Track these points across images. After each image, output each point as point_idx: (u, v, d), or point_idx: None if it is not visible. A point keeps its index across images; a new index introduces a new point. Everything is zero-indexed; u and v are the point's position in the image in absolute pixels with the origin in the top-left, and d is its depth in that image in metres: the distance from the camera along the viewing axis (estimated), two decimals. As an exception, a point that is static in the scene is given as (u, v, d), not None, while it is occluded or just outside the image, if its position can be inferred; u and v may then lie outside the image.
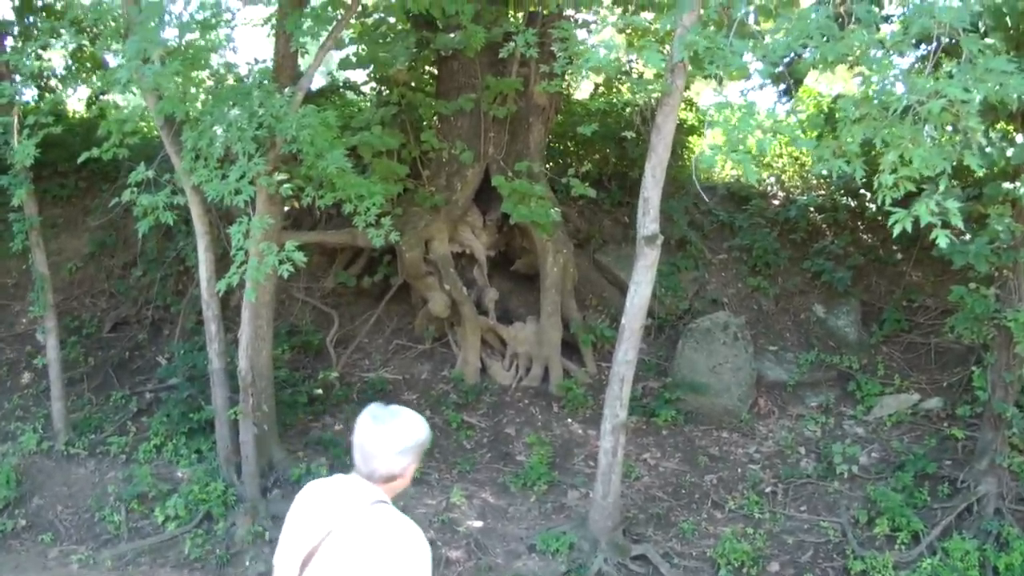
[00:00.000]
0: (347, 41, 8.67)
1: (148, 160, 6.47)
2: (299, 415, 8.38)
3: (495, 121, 9.20)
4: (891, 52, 5.13)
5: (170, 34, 6.29)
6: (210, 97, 6.49)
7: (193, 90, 6.50)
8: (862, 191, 10.64)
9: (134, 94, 7.35)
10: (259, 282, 6.29)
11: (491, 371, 9.47)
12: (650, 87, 6.22)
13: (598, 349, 9.67)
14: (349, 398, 8.85)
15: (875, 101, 5.00)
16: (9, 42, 8.24)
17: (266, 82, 6.45)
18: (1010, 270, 7.15)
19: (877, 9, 5.97)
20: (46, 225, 8.82)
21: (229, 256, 6.13)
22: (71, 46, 8.39)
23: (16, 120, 6.59)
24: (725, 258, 10.76)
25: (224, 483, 7.10)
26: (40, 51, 7.22)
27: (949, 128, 5.13)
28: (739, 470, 8.10)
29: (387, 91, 9.47)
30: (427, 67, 9.92)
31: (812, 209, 11.16)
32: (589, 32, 8.85)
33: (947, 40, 4.78)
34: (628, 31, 9.10)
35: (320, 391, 8.80)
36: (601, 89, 11.37)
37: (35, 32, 7.81)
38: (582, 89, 11.84)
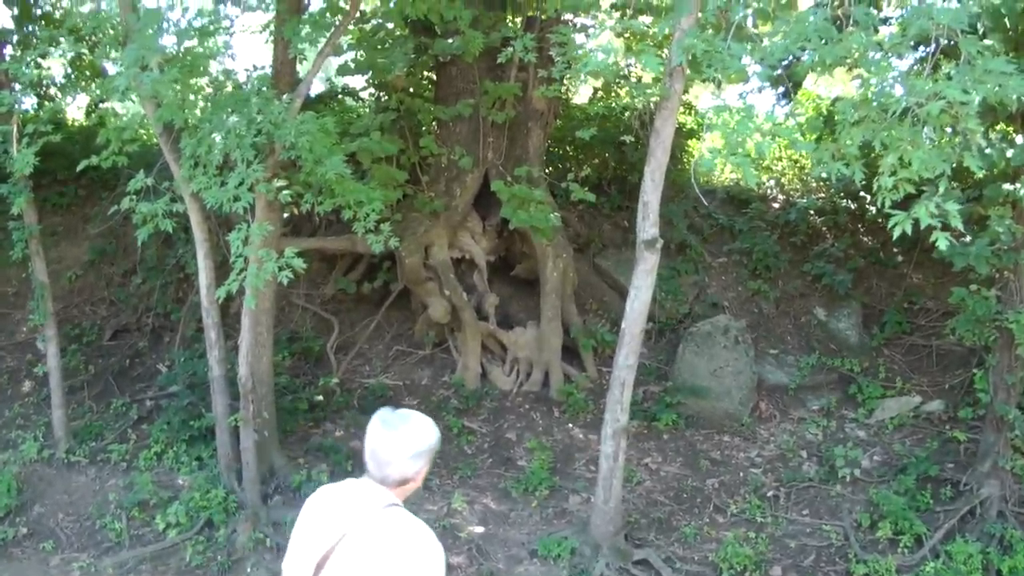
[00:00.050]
0: (345, 47, 8.68)
1: (147, 168, 6.46)
2: (300, 421, 8.37)
3: (494, 126, 9.21)
4: (890, 54, 5.12)
5: (168, 41, 6.30)
6: (209, 104, 6.49)
7: (192, 97, 6.49)
8: (862, 193, 10.65)
9: (133, 102, 7.34)
10: (259, 289, 6.28)
11: (491, 376, 9.46)
12: (649, 91, 6.20)
13: (598, 354, 9.66)
14: (350, 404, 8.84)
15: (874, 103, 4.99)
16: (8, 51, 8.24)
17: (264, 89, 6.44)
18: (1011, 272, 7.14)
19: (875, 11, 5.96)
20: (46, 233, 8.83)
21: (229, 263, 6.12)
22: (70, 54, 8.39)
23: (15, 129, 6.60)
24: (725, 262, 10.76)
25: (225, 490, 7.09)
26: (39, 60, 7.22)
27: (948, 130, 5.12)
28: (741, 474, 8.08)
29: (386, 97, 9.49)
30: (426, 72, 9.93)
31: (812, 212, 11.17)
32: (587, 36, 8.84)
33: (946, 42, 4.77)
34: (626, 35, 9.09)
35: (320, 397, 8.79)
36: (600, 93, 11.38)
37: (34, 41, 7.82)
38: (581, 93, 11.85)
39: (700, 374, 8.98)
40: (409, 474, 2.79)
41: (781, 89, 8.27)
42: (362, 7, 8.51)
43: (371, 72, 9.09)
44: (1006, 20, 6.25)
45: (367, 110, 10.24)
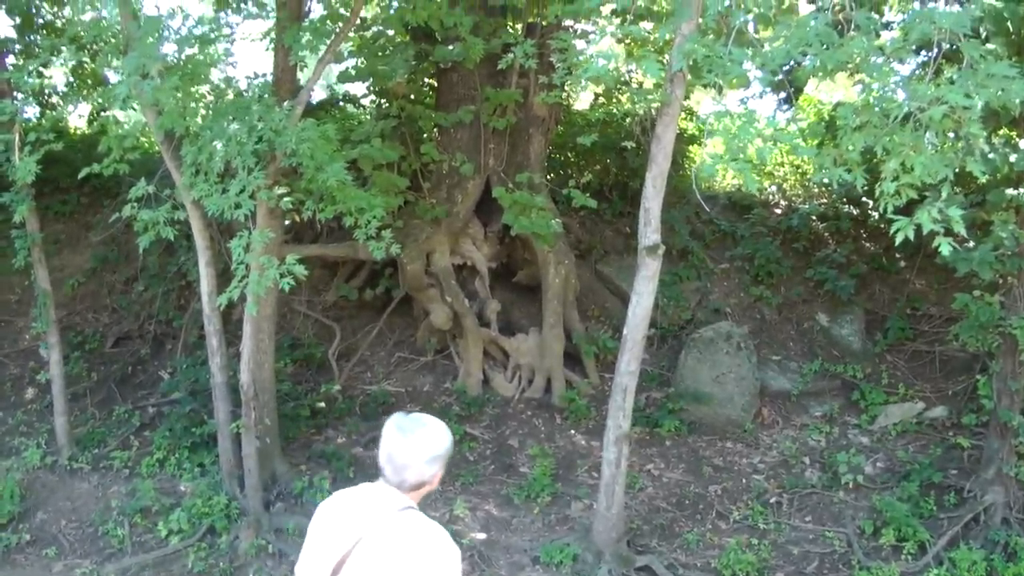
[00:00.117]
0: (346, 54, 8.70)
1: (149, 175, 6.48)
2: (301, 428, 8.37)
3: (495, 133, 9.21)
4: (891, 59, 5.12)
5: (169, 49, 6.33)
6: (210, 112, 6.51)
7: (192, 105, 6.51)
8: (864, 199, 10.63)
9: (134, 110, 7.37)
10: (260, 296, 6.28)
11: (493, 383, 9.45)
12: (650, 97, 6.21)
13: (600, 360, 9.64)
14: (351, 411, 8.84)
15: (876, 108, 4.98)
16: (10, 60, 8.26)
17: (265, 96, 6.46)
18: (1015, 277, 7.12)
19: (877, 16, 5.97)
20: (48, 241, 8.85)
21: (230, 270, 6.13)
22: (71, 63, 8.41)
23: (18, 137, 6.60)
24: (727, 268, 10.75)
25: (227, 497, 7.09)
26: (41, 68, 7.25)
27: (951, 135, 5.10)
28: (743, 480, 8.06)
29: (387, 104, 9.49)
30: (426, 79, 9.94)
31: (814, 218, 11.15)
32: (588, 42, 8.85)
33: (948, 46, 4.77)
34: (627, 41, 9.11)
35: (322, 404, 8.78)
36: (601, 99, 11.39)
37: (36, 50, 7.82)
38: (582, 100, 11.86)
39: (702, 380, 8.96)
40: (426, 478, 2.81)
41: (782, 94, 8.25)
42: (362, 14, 8.53)
43: (372, 79, 9.10)
44: (1008, 24, 6.24)
45: (368, 117, 10.24)
